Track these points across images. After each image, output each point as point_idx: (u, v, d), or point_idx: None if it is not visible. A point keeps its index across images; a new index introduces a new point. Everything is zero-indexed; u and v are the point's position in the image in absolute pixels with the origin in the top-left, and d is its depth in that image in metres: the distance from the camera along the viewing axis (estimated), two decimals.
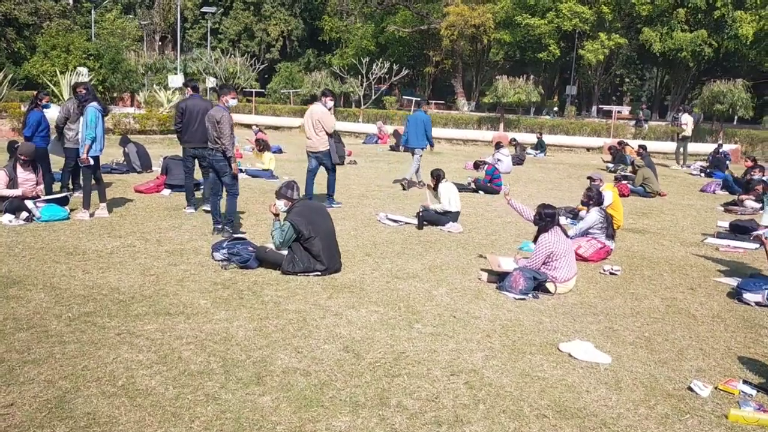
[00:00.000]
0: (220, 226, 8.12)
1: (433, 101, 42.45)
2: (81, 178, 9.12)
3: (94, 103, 8.82)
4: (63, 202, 9.18)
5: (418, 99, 29.19)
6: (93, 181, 8.88)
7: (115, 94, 29.51)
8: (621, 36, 35.29)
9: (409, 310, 5.47)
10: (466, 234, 8.81)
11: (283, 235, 6.44)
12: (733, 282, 6.64)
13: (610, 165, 18.16)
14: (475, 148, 24.50)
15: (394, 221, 9.33)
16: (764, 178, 9.02)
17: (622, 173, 17.07)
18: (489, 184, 12.75)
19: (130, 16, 54.92)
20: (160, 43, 58.99)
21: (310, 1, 52.91)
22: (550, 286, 6.05)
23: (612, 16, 35.23)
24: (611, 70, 41.97)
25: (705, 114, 24.85)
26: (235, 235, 7.28)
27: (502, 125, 26.86)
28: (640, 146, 17.00)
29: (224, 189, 8.21)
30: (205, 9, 44.01)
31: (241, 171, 13.76)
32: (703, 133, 23.85)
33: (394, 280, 6.40)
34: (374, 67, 30.64)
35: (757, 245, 8.39)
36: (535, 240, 6.55)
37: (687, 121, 19.18)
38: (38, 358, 4.20)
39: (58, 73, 22.58)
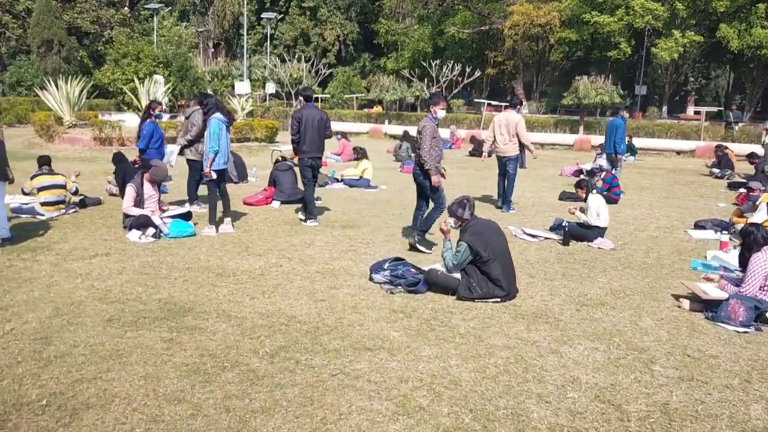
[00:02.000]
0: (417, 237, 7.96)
1: (494, 103, 41.59)
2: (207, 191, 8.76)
3: (218, 114, 8.46)
4: (187, 217, 8.85)
5: (502, 103, 28.37)
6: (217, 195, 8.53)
7: (183, 102, 29.52)
8: (696, 33, 33.92)
9: (629, 346, 4.86)
10: (621, 251, 8.13)
11: (457, 257, 5.91)
12: None
13: (716, 170, 17.17)
14: (555, 152, 23.68)
15: (532, 236, 8.73)
16: None
17: (730, 179, 16.18)
18: (607, 193, 12.01)
19: (186, 23, 55.44)
20: (213, 50, 59.45)
21: (366, 5, 52.48)
22: None
23: (686, 13, 33.88)
24: (682, 70, 40.50)
25: None
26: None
27: (581, 128, 25.94)
28: (751, 153, 16.08)
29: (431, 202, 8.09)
30: (265, 14, 43.93)
31: (338, 181, 13.39)
32: None
33: (583, 308, 5.79)
34: (444, 69, 29.92)
35: None
36: (741, 263, 5.86)
37: None
38: (264, 406, 3.74)
39: (136, 80, 22.56)
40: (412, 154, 18.47)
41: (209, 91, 28.02)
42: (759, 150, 17.36)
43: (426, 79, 31.99)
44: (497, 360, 4.51)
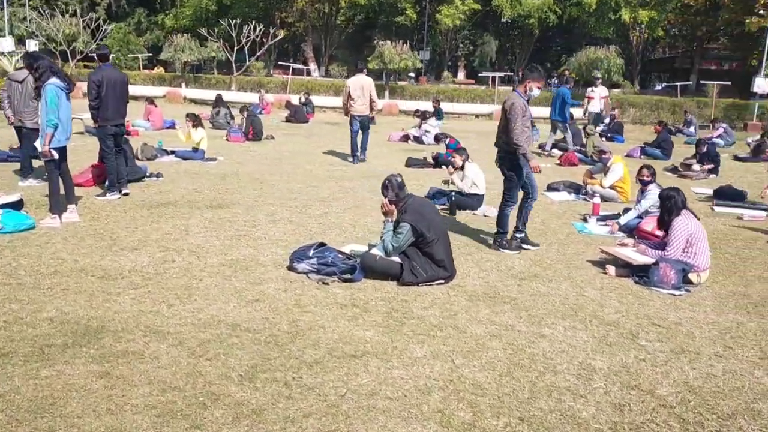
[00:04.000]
0: None
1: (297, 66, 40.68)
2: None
3: (54, 80, 7.00)
4: (18, 205, 7.27)
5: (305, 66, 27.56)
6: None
7: None
8: (474, 1, 36.06)
9: (601, 321, 4.82)
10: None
11: (398, 239, 5.46)
12: None
13: None
14: None
15: None
16: None
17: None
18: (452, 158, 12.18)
19: None
20: None
21: None
22: (693, 276, 5.70)
23: None
24: (459, 36, 42.97)
25: (582, 80, 26.09)
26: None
27: (387, 93, 26.27)
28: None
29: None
30: None
31: (168, 153, 12.08)
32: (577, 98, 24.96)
33: (523, 282, 5.69)
34: (245, 29, 28.30)
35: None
36: (660, 226, 6.14)
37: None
38: None
39: None
40: (231, 121, 17.37)
41: None
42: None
43: (221, 39, 30.14)
44: (495, 353, 4.18)
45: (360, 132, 12.59)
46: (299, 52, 54.42)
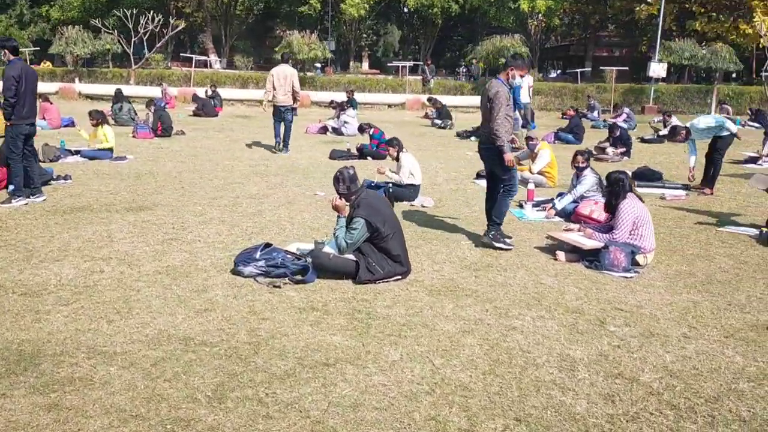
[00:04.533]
0: None
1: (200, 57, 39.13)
2: None
3: None
4: None
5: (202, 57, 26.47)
6: None
7: None
8: None
9: (565, 309, 4.76)
10: (443, 207, 8.16)
11: (352, 236, 5.21)
12: (751, 231, 7.05)
13: (438, 121, 18.46)
14: None
15: None
16: (682, 124, 9.72)
17: (452, 129, 17.53)
18: (377, 149, 12.02)
19: None
20: None
21: None
22: (640, 258, 5.77)
23: None
24: (363, 26, 42.82)
25: (489, 68, 26.52)
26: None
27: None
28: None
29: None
30: None
31: (73, 153, 11.27)
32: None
33: (479, 272, 5.58)
34: (142, 20, 26.80)
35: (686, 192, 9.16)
36: (607, 209, 6.18)
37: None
38: None
39: None
40: (136, 117, 16.43)
41: None
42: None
43: (117, 31, 28.51)
44: (472, 350, 4.02)
45: (282, 123, 12.59)
46: (195, 44, 52.60)
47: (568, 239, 6.06)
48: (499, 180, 6.34)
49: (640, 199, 6.06)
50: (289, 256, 5.46)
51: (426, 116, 20.35)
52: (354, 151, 12.17)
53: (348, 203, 5.37)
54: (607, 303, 4.90)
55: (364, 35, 54.79)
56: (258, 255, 5.33)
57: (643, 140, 15.84)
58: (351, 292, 5.00)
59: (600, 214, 7.28)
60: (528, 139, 9.74)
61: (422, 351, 3.99)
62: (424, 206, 8.09)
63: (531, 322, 4.50)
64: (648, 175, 10.18)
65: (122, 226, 6.90)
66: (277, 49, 26.86)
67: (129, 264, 5.61)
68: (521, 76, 6.33)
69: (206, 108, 19.82)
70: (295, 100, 12.50)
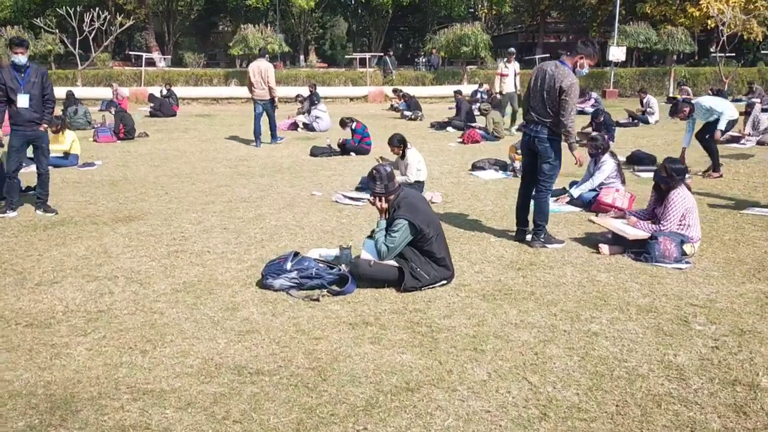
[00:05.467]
0: None
1: (154, 56, 37.64)
2: None
3: None
4: None
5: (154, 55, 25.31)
6: None
7: None
8: None
9: (639, 309, 4.41)
10: (452, 202, 7.77)
11: (395, 239, 4.74)
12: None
13: (408, 113, 18.05)
14: (236, 107, 22.41)
15: (354, 199, 7.78)
16: (691, 100, 9.54)
17: (422, 119, 17.16)
18: (359, 144, 11.54)
19: None
20: None
21: None
22: (687, 247, 5.47)
23: None
24: (312, 18, 42.01)
25: (450, 57, 26.20)
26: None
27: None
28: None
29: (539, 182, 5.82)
30: None
31: (32, 160, 10.38)
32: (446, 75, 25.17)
33: (522, 272, 5.20)
34: (87, 17, 25.37)
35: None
36: (658, 199, 5.79)
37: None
38: None
39: None
40: (92, 120, 15.49)
41: None
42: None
43: (58, 30, 27.05)
44: (563, 362, 3.62)
45: (266, 116, 12.73)
46: (132, 42, 50.76)
47: (612, 227, 5.72)
48: (539, 174, 5.81)
49: (688, 187, 5.77)
50: (321, 264, 4.96)
51: (392, 108, 19.91)
52: (335, 146, 11.64)
53: (387, 203, 4.90)
54: (677, 299, 4.57)
55: (311, 28, 53.91)
56: (289, 265, 4.81)
57: (618, 124, 15.77)
58: (399, 302, 4.55)
59: (623, 202, 7.01)
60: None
61: (509, 367, 3.58)
62: (433, 201, 7.66)
63: (609, 325, 4.13)
64: (644, 159, 10.00)
65: (116, 239, 6.26)
66: (231, 43, 25.88)
67: (140, 282, 5.02)
68: (590, 66, 5.69)
69: (164, 108, 18.92)
70: (271, 94, 12.46)
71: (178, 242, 6.14)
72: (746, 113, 12.91)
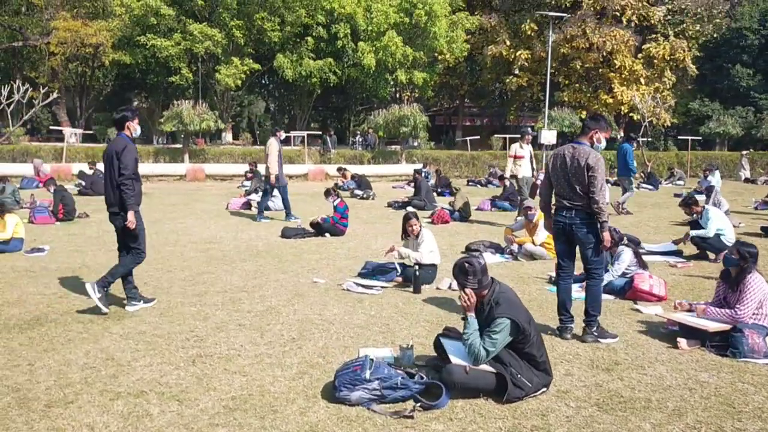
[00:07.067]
0: None
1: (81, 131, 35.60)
2: None
3: None
4: None
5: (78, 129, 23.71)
6: None
7: None
8: (254, 61, 35.06)
9: (754, 414, 3.96)
10: None
11: (495, 342, 4.12)
12: None
13: (360, 192, 17.61)
14: (168, 184, 21.25)
15: (366, 287, 7.10)
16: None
17: (374, 199, 16.76)
18: (336, 224, 10.90)
19: None
20: None
21: None
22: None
23: (244, 41, 34.71)
24: (229, 96, 41.42)
25: (389, 137, 26.17)
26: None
27: (187, 156, 23.81)
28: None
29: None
30: None
31: None
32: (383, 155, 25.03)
33: (612, 373, 4.66)
34: (4, 89, 23.57)
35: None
36: (732, 286, 5.42)
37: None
38: None
39: None
40: (21, 199, 14.06)
41: None
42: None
43: None
44: None
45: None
46: (42, 116, 48.39)
47: (689, 322, 5.31)
48: (587, 263, 5.45)
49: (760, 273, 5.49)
50: (399, 371, 4.24)
51: (337, 187, 19.42)
52: (308, 227, 10.93)
53: (478, 300, 4.28)
54: None
55: (230, 107, 53.27)
56: (368, 374, 4.07)
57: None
58: (509, 417, 3.89)
59: (660, 290, 6.69)
60: (527, 209, 9.09)
61: None
62: (453, 289, 7.08)
63: None
64: (634, 241, 9.88)
65: (116, 341, 5.28)
66: (162, 120, 24.80)
67: (177, 399, 4.12)
68: (606, 139, 5.54)
69: (95, 186, 17.48)
70: (267, 169, 12.78)
71: (194, 344, 5.23)
72: (706, 196, 13.27)
